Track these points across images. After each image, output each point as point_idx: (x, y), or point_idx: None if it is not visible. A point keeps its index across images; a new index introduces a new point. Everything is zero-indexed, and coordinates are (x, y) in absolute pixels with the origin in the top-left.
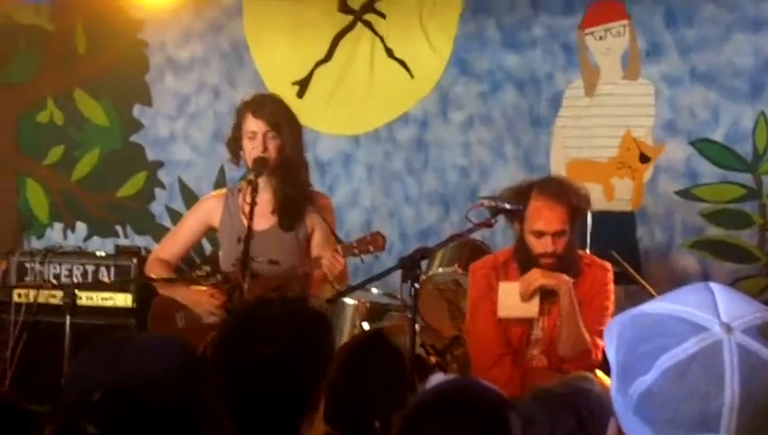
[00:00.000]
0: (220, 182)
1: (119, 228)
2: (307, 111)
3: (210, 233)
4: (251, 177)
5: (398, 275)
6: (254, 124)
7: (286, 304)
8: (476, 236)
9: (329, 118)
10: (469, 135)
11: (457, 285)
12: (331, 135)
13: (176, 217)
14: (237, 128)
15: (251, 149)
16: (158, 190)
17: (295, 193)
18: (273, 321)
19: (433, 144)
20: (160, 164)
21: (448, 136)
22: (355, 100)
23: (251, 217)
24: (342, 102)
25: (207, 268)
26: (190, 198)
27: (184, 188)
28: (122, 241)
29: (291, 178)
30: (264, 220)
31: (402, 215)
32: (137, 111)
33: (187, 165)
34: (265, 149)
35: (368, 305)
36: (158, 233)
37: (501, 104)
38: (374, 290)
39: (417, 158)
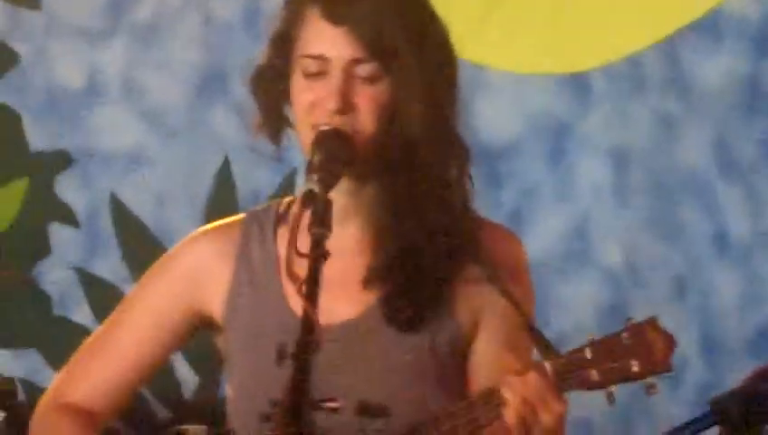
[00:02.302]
0: (221, 201)
1: None
2: (449, 14)
3: (200, 333)
4: (312, 184)
5: None
6: (325, 39)
7: None
8: None
9: (503, 30)
10: None
11: None
12: (513, 73)
13: (106, 296)
14: (281, 48)
15: (309, 105)
16: (56, 228)
17: (431, 229)
18: None
19: None
20: (63, 159)
21: None
22: None
23: (311, 291)
24: None
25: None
26: (142, 245)
27: (125, 220)
28: None
29: (422, 189)
30: (347, 299)
31: (708, 283)
32: (0, 18)
33: (131, 160)
34: (347, 108)
35: None
36: (59, 340)
37: None
38: None
39: (750, 129)
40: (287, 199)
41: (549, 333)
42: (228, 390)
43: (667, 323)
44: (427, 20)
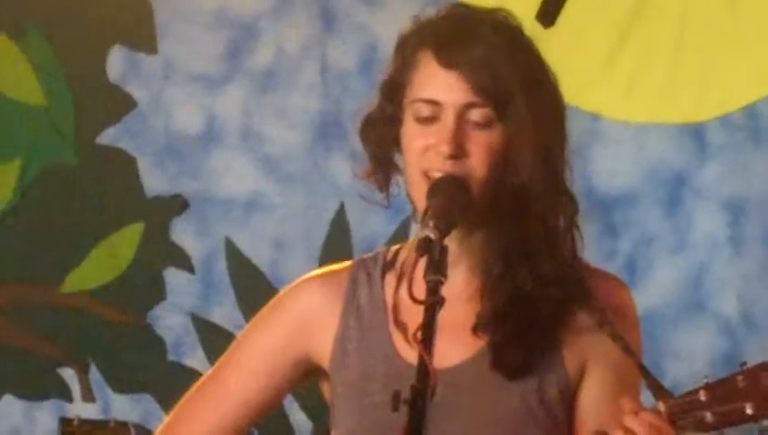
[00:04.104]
0: (337, 248)
1: (68, 375)
2: (567, 64)
3: (313, 379)
4: (428, 231)
5: None
6: (438, 84)
7: None
8: None
9: (622, 80)
10: None
11: None
12: (631, 123)
13: (221, 342)
14: (393, 94)
15: (422, 150)
16: (171, 274)
17: (541, 278)
18: None
19: None
20: (179, 204)
21: None
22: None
23: (427, 338)
24: (652, 39)
25: None
26: (257, 290)
27: (241, 265)
28: (77, 406)
29: (532, 237)
30: (456, 344)
31: None
32: (118, 63)
33: (247, 206)
34: (461, 153)
35: None
36: (173, 385)
37: None
38: None
39: None
40: (395, 247)
41: (664, 382)
42: (332, 431)
43: None
44: (538, 66)
